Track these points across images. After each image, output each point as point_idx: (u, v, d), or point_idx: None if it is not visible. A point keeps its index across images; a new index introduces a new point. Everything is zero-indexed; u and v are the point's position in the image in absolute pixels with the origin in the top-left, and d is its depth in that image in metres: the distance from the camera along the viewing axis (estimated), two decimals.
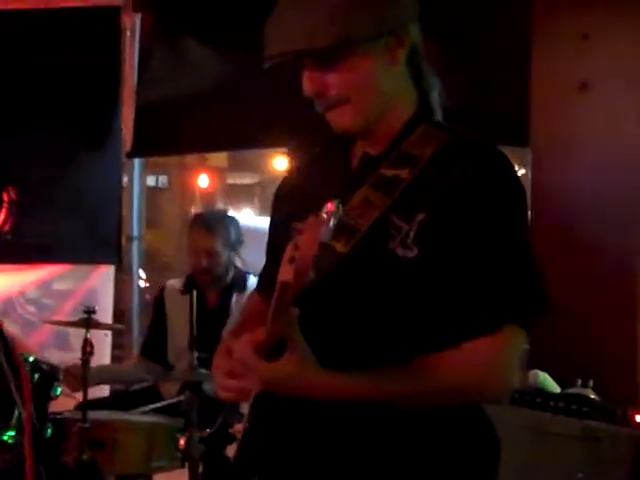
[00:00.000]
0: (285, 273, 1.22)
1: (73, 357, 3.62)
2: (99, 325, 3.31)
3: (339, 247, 1.37)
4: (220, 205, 15.16)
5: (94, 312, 3.15)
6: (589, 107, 3.06)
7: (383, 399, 1.36)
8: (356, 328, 1.43)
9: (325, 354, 1.36)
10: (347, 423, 1.42)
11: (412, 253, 1.37)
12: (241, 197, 15.41)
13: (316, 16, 1.38)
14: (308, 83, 1.45)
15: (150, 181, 12.21)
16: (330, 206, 1.24)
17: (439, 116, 1.53)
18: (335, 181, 1.51)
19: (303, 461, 1.47)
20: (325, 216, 1.24)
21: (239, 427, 1.60)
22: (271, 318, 1.29)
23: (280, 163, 9.33)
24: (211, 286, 3.76)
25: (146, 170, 5.11)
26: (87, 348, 3.14)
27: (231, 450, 1.68)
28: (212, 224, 3.73)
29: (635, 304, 3.06)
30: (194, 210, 14.04)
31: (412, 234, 1.37)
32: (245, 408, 1.58)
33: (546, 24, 3.17)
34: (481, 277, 1.36)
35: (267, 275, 1.70)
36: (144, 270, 7.41)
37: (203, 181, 14.54)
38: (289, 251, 1.22)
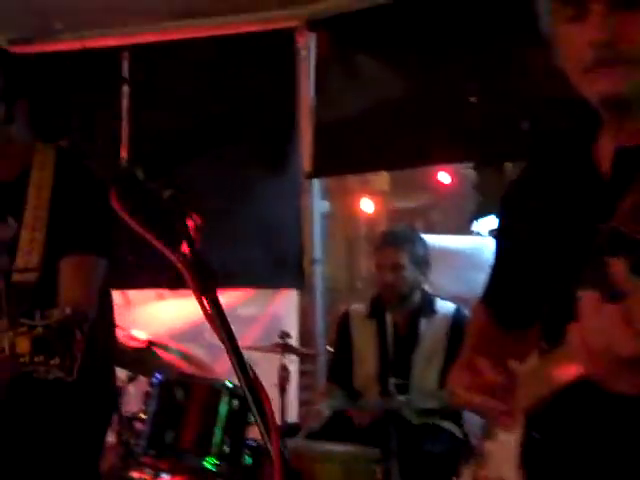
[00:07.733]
0: None
1: None
2: (295, 350, 3.21)
3: None
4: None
5: (289, 337, 3.06)
6: None
7: None
8: None
9: None
10: None
11: None
12: (405, 220, 15.21)
13: None
14: (600, 26, 1.19)
15: None
16: None
17: None
18: (586, 186, 1.31)
19: None
20: None
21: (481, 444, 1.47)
22: None
23: (444, 178, 9.16)
24: (397, 308, 3.60)
25: None
26: (283, 373, 3.04)
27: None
28: (398, 238, 3.64)
29: None
30: (358, 236, 13.96)
31: None
32: None
33: None
34: None
35: (495, 286, 1.61)
36: None
37: (366, 205, 14.41)
38: None
